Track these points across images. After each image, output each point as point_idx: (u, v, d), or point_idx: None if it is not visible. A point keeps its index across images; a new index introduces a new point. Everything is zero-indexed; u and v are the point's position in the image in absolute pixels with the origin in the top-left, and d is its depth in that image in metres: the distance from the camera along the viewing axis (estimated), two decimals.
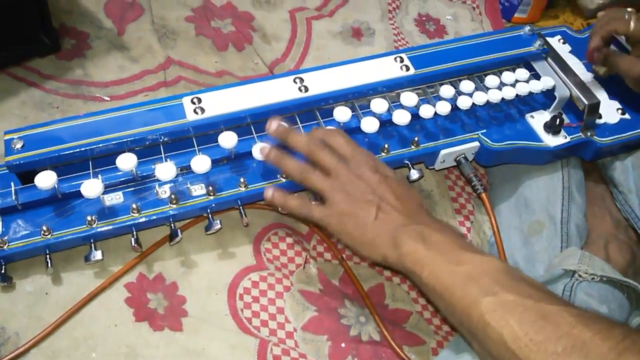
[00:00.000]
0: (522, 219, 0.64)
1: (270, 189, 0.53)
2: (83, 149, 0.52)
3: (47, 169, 0.51)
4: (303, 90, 0.59)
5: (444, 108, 0.61)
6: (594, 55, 0.66)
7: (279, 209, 0.55)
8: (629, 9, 0.64)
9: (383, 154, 0.59)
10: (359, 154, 0.53)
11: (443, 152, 0.61)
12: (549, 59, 0.67)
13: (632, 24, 0.62)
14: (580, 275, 0.56)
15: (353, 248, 0.52)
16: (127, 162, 0.52)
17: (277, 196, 0.53)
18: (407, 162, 0.60)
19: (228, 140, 0.54)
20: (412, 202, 0.51)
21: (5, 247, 0.50)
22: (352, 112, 0.59)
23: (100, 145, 0.52)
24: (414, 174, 0.60)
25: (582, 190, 0.66)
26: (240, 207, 0.56)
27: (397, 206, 0.50)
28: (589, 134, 0.64)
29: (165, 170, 0.52)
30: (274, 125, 0.54)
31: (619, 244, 0.64)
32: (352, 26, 0.83)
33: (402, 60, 0.63)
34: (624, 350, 0.34)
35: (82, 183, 0.51)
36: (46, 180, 0.50)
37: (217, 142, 0.55)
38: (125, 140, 0.53)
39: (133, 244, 0.52)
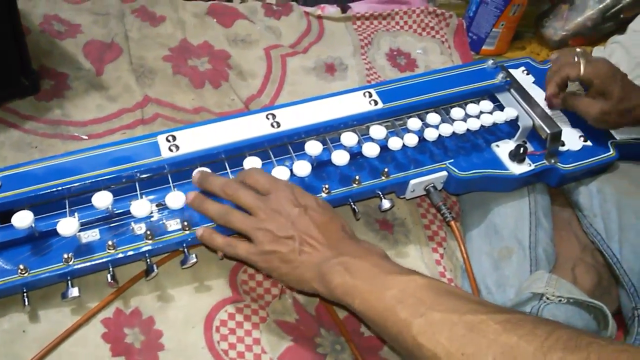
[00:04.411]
0: (492, 244, 0.65)
1: (201, 228, 0.55)
2: (59, 188, 0.53)
3: (24, 209, 0.52)
4: (275, 126, 0.61)
5: (411, 140, 0.63)
6: (553, 102, 0.69)
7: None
8: (578, 50, 0.67)
9: (354, 185, 0.61)
10: (278, 188, 0.54)
11: (412, 182, 0.63)
12: (512, 90, 0.70)
13: (582, 68, 0.65)
14: (547, 298, 0.58)
15: (285, 283, 0.53)
16: (102, 200, 0.53)
17: (205, 235, 0.54)
18: (378, 192, 0.62)
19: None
20: (335, 230, 0.52)
21: None
22: (323, 145, 0.61)
23: (76, 184, 0.54)
24: (386, 204, 0.62)
25: (549, 215, 0.68)
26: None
27: (319, 238, 0.51)
28: (552, 161, 0.67)
29: (140, 207, 0.54)
30: (195, 174, 0.56)
31: (586, 267, 0.66)
32: (326, 62, 0.86)
33: (370, 95, 0.65)
34: (548, 350, 0.36)
35: (58, 222, 0.52)
36: (23, 219, 0.51)
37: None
38: (100, 179, 0.54)
39: (109, 280, 0.53)
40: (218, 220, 0.54)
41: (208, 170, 0.57)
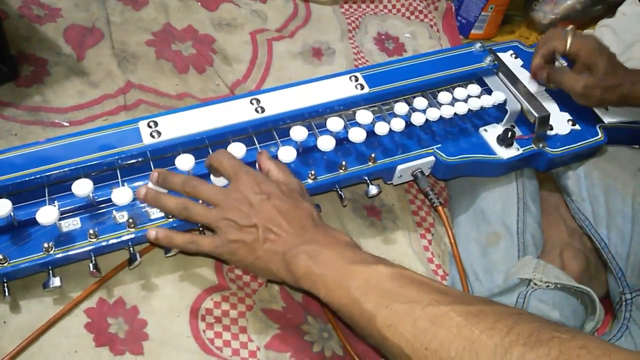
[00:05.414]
0: (480, 230, 0.65)
1: (153, 229, 0.52)
2: (37, 176, 0.52)
3: (2, 197, 0.51)
4: (259, 111, 0.60)
5: (398, 125, 0.62)
6: (537, 74, 0.68)
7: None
8: (569, 27, 0.66)
9: (341, 171, 0.60)
10: (240, 176, 0.52)
11: (400, 167, 0.62)
12: (500, 74, 0.70)
13: (568, 42, 0.65)
14: (535, 284, 0.58)
15: (253, 273, 0.52)
16: (82, 187, 0.52)
17: (161, 236, 0.52)
18: (365, 178, 0.62)
19: (185, 162, 0.55)
20: (299, 217, 0.51)
21: None
22: (309, 131, 0.60)
23: (55, 172, 0.52)
24: (373, 190, 0.61)
25: (537, 200, 0.68)
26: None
27: (283, 226, 0.50)
28: (540, 145, 0.66)
29: (122, 194, 0.53)
30: (153, 175, 0.54)
31: (574, 252, 0.66)
32: (313, 46, 0.85)
33: (356, 79, 0.64)
34: (509, 345, 0.36)
35: (37, 210, 0.51)
36: (1, 208, 0.50)
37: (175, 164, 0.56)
38: (80, 166, 0.53)
39: (92, 269, 0.52)
40: (178, 215, 0.52)
41: (164, 169, 0.55)
